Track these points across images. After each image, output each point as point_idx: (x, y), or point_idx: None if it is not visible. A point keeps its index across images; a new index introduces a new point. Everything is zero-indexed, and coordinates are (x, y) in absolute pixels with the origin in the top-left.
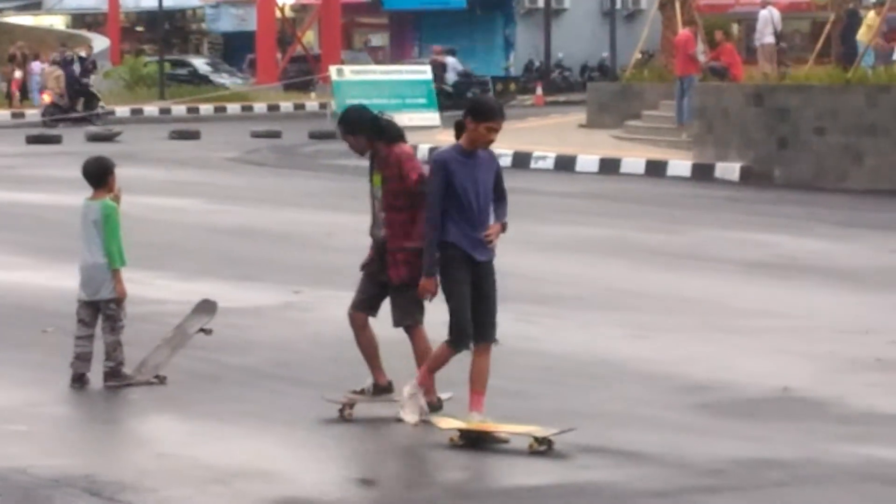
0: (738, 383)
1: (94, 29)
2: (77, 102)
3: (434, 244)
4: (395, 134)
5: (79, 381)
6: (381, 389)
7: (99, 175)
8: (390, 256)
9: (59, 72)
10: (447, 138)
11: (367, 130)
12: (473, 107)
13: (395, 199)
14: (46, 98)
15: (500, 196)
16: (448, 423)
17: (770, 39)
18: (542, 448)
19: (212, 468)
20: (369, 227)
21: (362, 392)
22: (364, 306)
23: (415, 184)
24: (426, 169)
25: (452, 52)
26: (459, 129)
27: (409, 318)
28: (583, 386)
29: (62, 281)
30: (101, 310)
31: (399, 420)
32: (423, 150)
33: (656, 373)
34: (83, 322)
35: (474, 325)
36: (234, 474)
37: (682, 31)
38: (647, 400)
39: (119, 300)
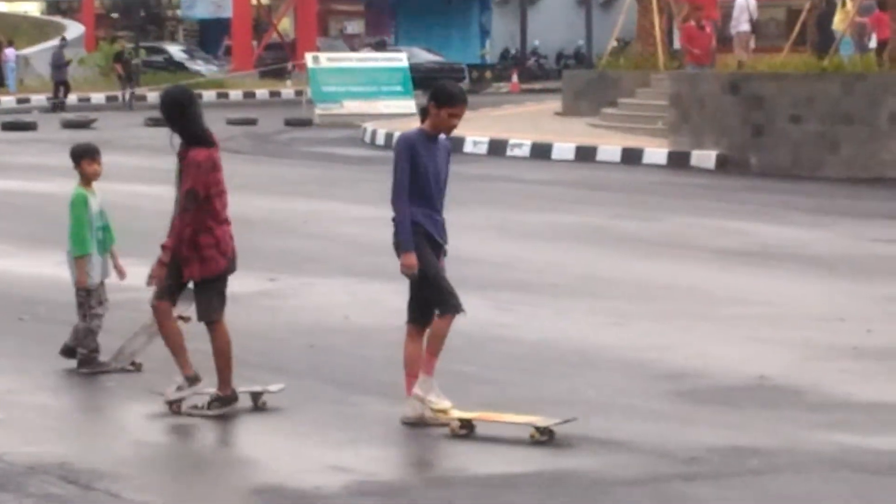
0: (714, 371)
1: (69, 16)
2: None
3: (407, 221)
4: (191, 135)
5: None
6: (192, 380)
7: (73, 160)
8: (183, 257)
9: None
10: None
11: (172, 121)
12: (436, 93)
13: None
14: None
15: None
16: (448, 414)
17: (746, 27)
18: (544, 438)
19: (188, 456)
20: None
21: (181, 388)
22: (168, 296)
23: (184, 193)
24: (200, 185)
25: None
26: (425, 114)
27: (213, 313)
28: (558, 374)
29: (38, 268)
30: (75, 296)
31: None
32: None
33: (632, 360)
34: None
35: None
36: (210, 462)
37: (686, 26)
38: (623, 388)
39: (80, 289)
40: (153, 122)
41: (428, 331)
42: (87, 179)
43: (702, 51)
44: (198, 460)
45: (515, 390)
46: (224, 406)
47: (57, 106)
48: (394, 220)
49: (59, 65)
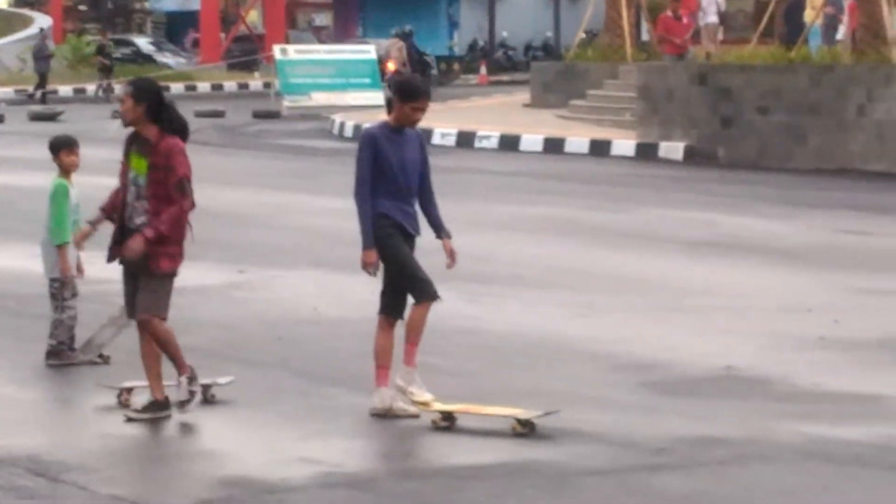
0: (681, 362)
1: (37, 8)
2: None
3: (367, 217)
4: (176, 126)
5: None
6: (191, 379)
7: (51, 152)
8: (152, 248)
9: (401, 43)
10: None
11: (153, 107)
12: (398, 87)
13: (161, 189)
14: (391, 66)
15: (429, 188)
16: (430, 406)
17: (714, 19)
18: (525, 430)
19: (156, 448)
20: (120, 213)
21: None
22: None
23: (177, 181)
24: (190, 171)
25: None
26: (391, 107)
27: (162, 309)
28: (526, 365)
29: (6, 261)
30: (48, 287)
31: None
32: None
33: (600, 352)
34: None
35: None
36: (178, 454)
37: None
38: (591, 379)
39: (62, 279)
40: (120, 115)
41: (400, 322)
42: (65, 171)
43: (680, 41)
44: (166, 452)
45: (484, 382)
46: (159, 411)
47: (41, 97)
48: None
49: (42, 56)
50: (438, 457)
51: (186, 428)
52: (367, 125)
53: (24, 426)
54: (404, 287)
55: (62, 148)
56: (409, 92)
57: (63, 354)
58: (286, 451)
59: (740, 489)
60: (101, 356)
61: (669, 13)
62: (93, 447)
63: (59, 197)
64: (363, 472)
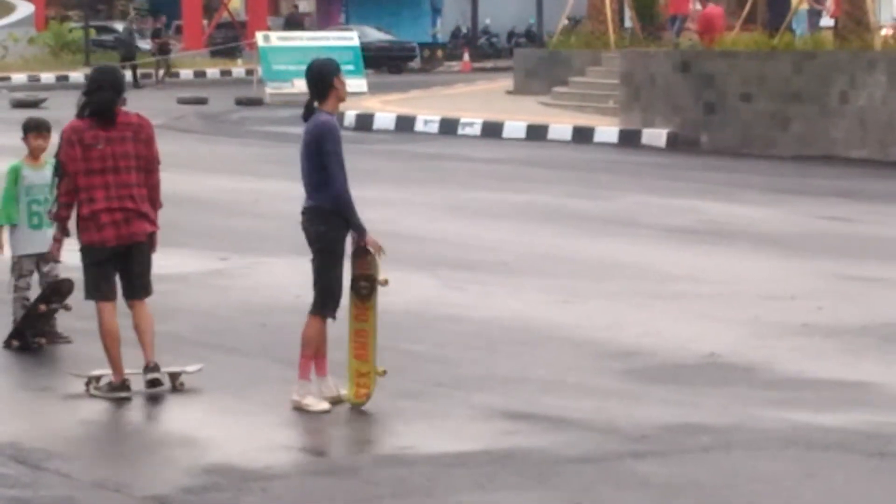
0: (664, 349)
1: None
2: None
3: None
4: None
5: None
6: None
7: (22, 133)
8: None
9: None
10: (375, 104)
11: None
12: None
13: None
14: None
15: None
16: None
17: (697, 6)
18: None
19: (139, 435)
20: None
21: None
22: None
23: (156, 158)
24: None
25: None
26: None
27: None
28: (510, 352)
29: None
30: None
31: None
32: (349, 117)
33: (583, 339)
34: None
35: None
36: (160, 441)
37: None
38: (574, 366)
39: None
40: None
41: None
42: (31, 153)
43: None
44: (148, 440)
45: (466, 369)
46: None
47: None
48: (339, 204)
49: (126, 41)
50: (422, 444)
51: (169, 415)
52: (351, 112)
53: (4, 414)
54: (319, 291)
55: (31, 130)
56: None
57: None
58: (269, 438)
59: (723, 476)
60: (61, 336)
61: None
62: (74, 434)
63: (9, 176)
64: (346, 459)
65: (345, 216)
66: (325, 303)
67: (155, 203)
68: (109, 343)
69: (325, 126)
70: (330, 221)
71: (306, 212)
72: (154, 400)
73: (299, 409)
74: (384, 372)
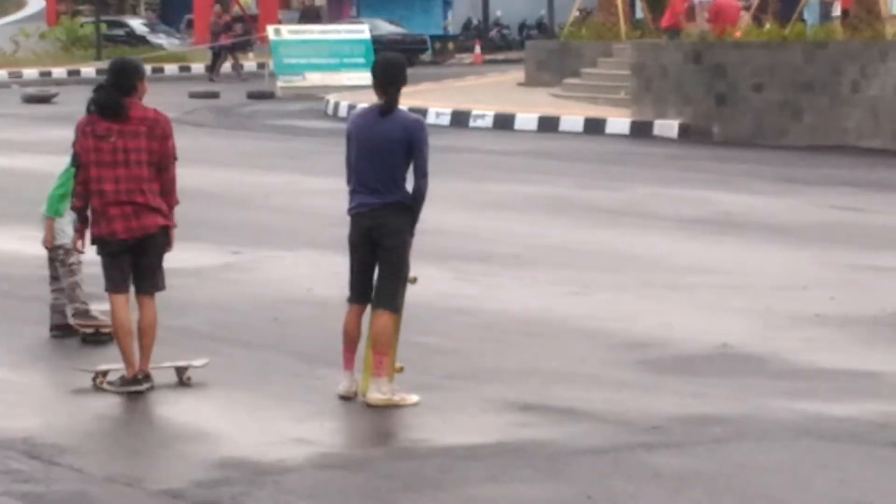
0: (676, 340)
1: None
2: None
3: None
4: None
5: (56, 329)
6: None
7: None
8: None
9: None
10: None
11: None
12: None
13: None
14: None
15: None
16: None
17: None
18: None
19: (152, 430)
20: None
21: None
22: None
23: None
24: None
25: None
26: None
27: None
28: (522, 344)
29: (3, 244)
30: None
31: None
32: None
33: (595, 330)
34: (51, 275)
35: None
36: (174, 436)
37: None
38: (586, 357)
39: (66, 247)
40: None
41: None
42: None
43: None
44: (161, 434)
45: (478, 361)
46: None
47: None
48: (420, 199)
49: (214, 31)
50: (433, 437)
51: (181, 410)
52: (363, 105)
53: (17, 409)
54: (404, 281)
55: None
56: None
57: (89, 314)
58: (281, 432)
59: (736, 466)
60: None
61: None
62: (88, 429)
63: (62, 173)
64: (358, 452)
65: (418, 210)
66: (402, 297)
67: (170, 199)
68: (121, 336)
69: (421, 122)
70: (407, 216)
71: (386, 207)
72: (167, 394)
73: (391, 405)
74: (401, 368)
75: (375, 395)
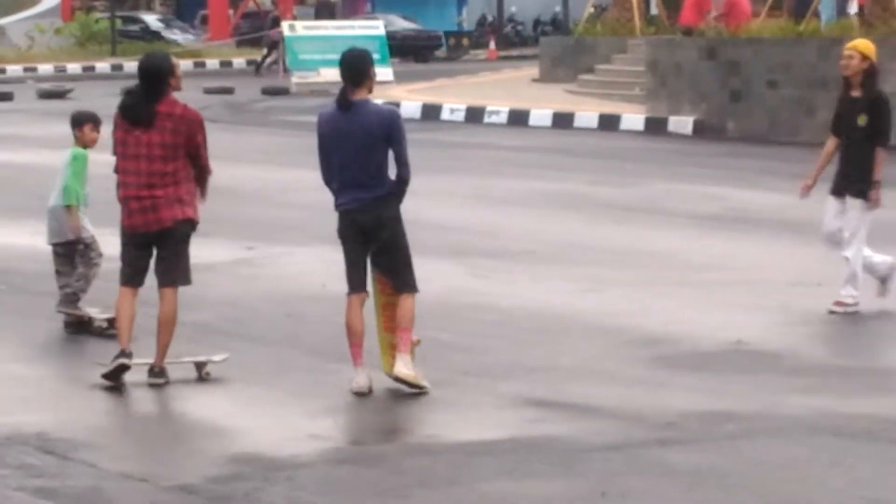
0: (691, 336)
1: None
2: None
3: None
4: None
5: (69, 326)
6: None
7: (74, 125)
8: None
9: None
10: (401, 93)
11: None
12: None
13: None
14: None
15: None
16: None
17: None
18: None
19: (165, 425)
20: None
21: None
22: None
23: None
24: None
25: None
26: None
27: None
28: (536, 340)
29: (15, 238)
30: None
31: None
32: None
33: (609, 326)
34: (58, 271)
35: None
36: (188, 431)
37: None
38: (600, 353)
39: (86, 241)
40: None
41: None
42: (83, 146)
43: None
44: (175, 429)
45: (492, 357)
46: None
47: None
48: (404, 186)
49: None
50: (447, 433)
51: (195, 405)
52: (378, 101)
53: (31, 404)
54: (411, 263)
55: (87, 122)
56: None
57: (75, 304)
58: (295, 427)
59: (750, 463)
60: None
61: None
62: (101, 424)
63: (81, 161)
64: (371, 448)
65: (402, 195)
66: (414, 277)
67: (203, 189)
68: (118, 316)
69: (396, 112)
70: (395, 204)
71: (375, 201)
72: (180, 389)
73: (415, 385)
74: (418, 341)
75: (404, 370)
